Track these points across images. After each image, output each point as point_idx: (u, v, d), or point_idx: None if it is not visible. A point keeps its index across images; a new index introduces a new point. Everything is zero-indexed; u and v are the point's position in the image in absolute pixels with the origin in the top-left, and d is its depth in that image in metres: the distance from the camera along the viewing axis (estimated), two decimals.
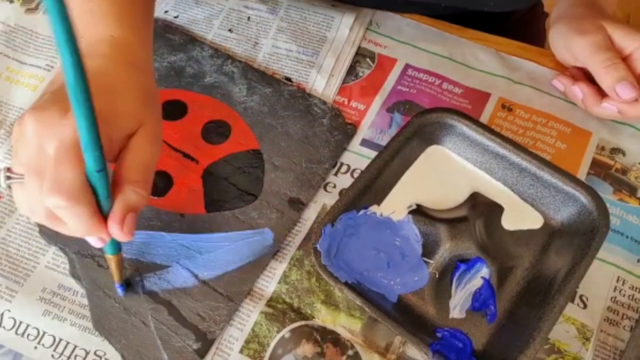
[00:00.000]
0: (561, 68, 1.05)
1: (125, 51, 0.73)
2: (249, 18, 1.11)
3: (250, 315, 0.82)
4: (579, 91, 0.97)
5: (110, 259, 0.76)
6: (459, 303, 0.82)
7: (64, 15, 0.46)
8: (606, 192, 0.93)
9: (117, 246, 0.74)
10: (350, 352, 0.80)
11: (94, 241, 0.69)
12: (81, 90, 0.52)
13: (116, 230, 0.65)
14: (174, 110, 0.99)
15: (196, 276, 0.84)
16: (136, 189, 0.65)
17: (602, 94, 0.95)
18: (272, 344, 0.80)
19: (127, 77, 0.70)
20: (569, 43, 0.98)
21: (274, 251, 0.87)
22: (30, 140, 0.63)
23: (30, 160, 0.63)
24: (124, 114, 0.66)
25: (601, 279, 0.86)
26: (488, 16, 1.15)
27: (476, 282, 0.83)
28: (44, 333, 0.81)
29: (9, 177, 0.67)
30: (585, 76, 0.99)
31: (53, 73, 1.03)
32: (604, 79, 0.91)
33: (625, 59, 0.93)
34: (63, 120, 0.61)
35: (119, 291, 0.83)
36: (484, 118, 0.99)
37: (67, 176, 0.60)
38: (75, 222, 0.64)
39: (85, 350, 0.80)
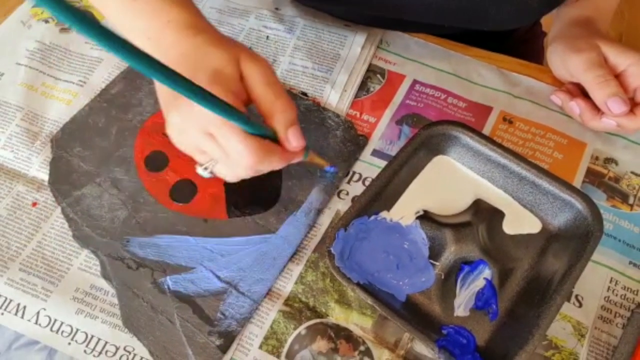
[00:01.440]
0: (558, 84, 1.05)
1: (188, 26, 0.76)
2: (267, 37, 1.12)
3: (269, 313, 0.83)
4: (576, 107, 0.97)
5: (309, 158, 0.84)
6: (463, 302, 0.83)
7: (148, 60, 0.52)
8: (600, 199, 0.93)
9: (306, 151, 0.81)
10: (362, 348, 0.80)
11: (296, 159, 0.79)
12: (193, 90, 0.58)
13: (288, 144, 0.74)
14: None
15: (218, 277, 0.84)
16: (280, 108, 0.72)
17: (598, 109, 0.95)
18: (290, 340, 0.81)
19: (203, 41, 0.74)
20: (565, 60, 0.98)
21: (291, 254, 0.87)
22: (191, 132, 0.71)
23: (207, 148, 0.72)
24: (225, 66, 0.72)
25: (595, 279, 0.86)
26: (490, 35, 1.15)
27: (479, 283, 0.84)
28: (77, 330, 0.82)
29: (205, 168, 0.74)
30: (581, 92, 0.99)
31: (90, 89, 1.04)
32: (597, 94, 0.92)
33: (618, 76, 0.93)
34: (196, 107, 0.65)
35: (331, 170, 0.94)
36: (486, 130, 1.00)
37: (246, 145, 0.69)
38: (275, 164, 0.75)
39: (116, 346, 0.81)
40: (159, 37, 0.76)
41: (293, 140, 0.74)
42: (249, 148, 0.69)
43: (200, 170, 0.76)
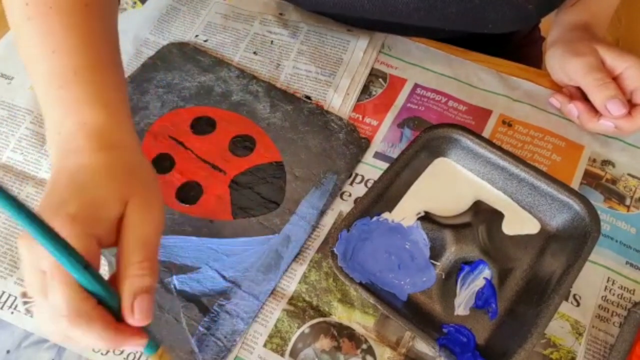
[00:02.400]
0: (556, 87, 1.05)
1: (100, 136, 0.66)
2: (272, 42, 1.12)
3: (273, 312, 0.83)
4: (574, 109, 0.97)
5: (154, 358, 0.64)
6: (463, 301, 0.83)
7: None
8: (597, 200, 0.93)
9: (154, 343, 0.62)
10: (364, 346, 0.81)
11: (130, 347, 0.63)
12: (38, 228, 0.51)
13: (129, 316, 0.57)
14: (204, 126, 1.00)
15: (224, 277, 0.85)
16: (138, 271, 0.58)
17: (595, 111, 0.95)
18: (293, 339, 0.81)
19: (104, 163, 0.64)
20: (564, 64, 0.98)
21: (295, 254, 0.88)
22: (26, 265, 0.58)
23: (31, 284, 0.58)
24: (104, 203, 0.60)
25: (593, 279, 0.86)
26: (490, 40, 1.15)
27: (479, 283, 0.84)
28: None
29: (25, 302, 0.65)
30: (579, 95, 0.99)
31: None
32: (596, 97, 0.92)
33: (616, 79, 0.94)
34: None
35: None
36: (486, 133, 1.00)
37: (63, 299, 0.55)
38: (91, 340, 0.57)
39: None
40: (68, 138, 0.66)
41: (137, 312, 0.58)
42: (65, 303, 0.55)
43: (20, 302, 0.66)
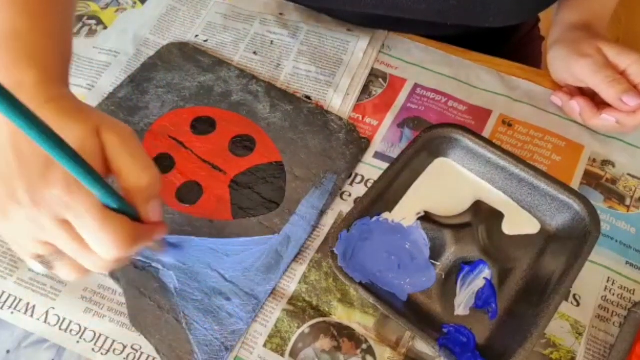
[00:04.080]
0: (557, 87, 1.05)
1: (42, 91, 0.64)
2: (272, 42, 1.12)
3: (273, 312, 0.83)
4: (576, 105, 0.97)
5: None
6: (463, 301, 0.83)
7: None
8: (597, 200, 0.93)
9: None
10: (364, 346, 0.81)
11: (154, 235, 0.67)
12: (59, 146, 0.50)
13: (148, 219, 0.64)
14: (204, 126, 1.00)
15: (224, 277, 0.84)
16: (143, 182, 0.61)
17: (597, 107, 0.96)
18: (293, 339, 0.81)
19: (55, 111, 0.62)
20: (570, 65, 0.98)
21: (295, 254, 0.88)
22: (39, 221, 0.58)
23: (55, 234, 0.59)
24: (81, 143, 0.59)
25: (593, 279, 0.86)
26: (490, 39, 1.16)
27: (479, 283, 0.84)
28: (85, 328, 0.82)
29: (43, 262, 0.63)
30: (580, 93, 0.99)
31: (98, 93, 1.04)
32: (610, 92, 0.92)
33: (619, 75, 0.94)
34: (52, 187, 0.57)
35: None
36: (486, 133, 1.00)
37: (112, 227, 0.57)
38: (136, 248, 0.61)
39: (123, 345, 0.81)
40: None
41: (154, 215, 0.64)
42: (115, 234, 0.58)
43: (34, 265, 0.63)
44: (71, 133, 0.59)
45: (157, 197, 0.64)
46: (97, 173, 0.55)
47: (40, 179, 0.57)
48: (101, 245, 0.58)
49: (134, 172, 0.61)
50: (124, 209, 0.60)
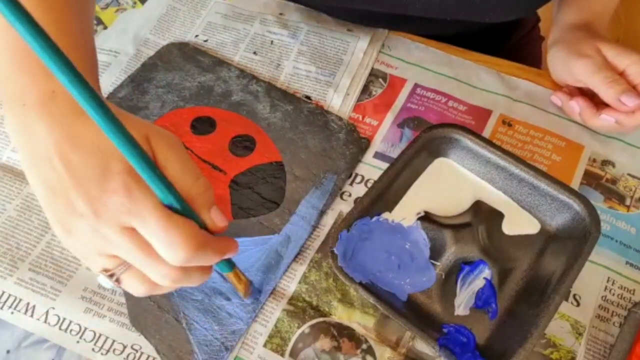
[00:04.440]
0: (557, 87, 1.05)
1: (75, 103, 0.57)
2: (272, 42, 1.12)
3: (273, 312, 0.83)
4: (576, 105, 0.98)
5: (229, 276, 0.75)
6: (463, 301, 0.83)
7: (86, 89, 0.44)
8: (597, 200, 0.93)
9: (229, 263, 0.72)
10: (364, 346, 0.81)
11: (229, 252, 0.66)
12: (128, 141, 0.50)
13: (214, 226, 0.62)
14: (203, 126, 1.00)
15: (224, 277, 0.84)
16: (200, 189, 0.60)
17: (596, 107, 0.96)
18: (293, 339, 0.81)
19: (89, 125, 0.59)
20: (569, 66, 0.98)
21: (295, 254, 0.88)
22: (103, 232, 0.57)
23: (120, 244, 0.57)
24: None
25: (593, 279, 0.86)
26: (490, 39, 1.16)
27: (479, 283, 0.84)
28: (85, 329, 0.82)
29: (112, 275, 0.60)
30: (579, 93, 0.99)
31: None
32: (609, 93, 0.92)
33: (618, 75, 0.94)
34: (112, 196, 0.55)
35: (247, 302, 0.84)
36: (486, 133, 1.00)
37: (173, 231, 0.56)
38: (204, 254, 0.59)
39: (123, 345, 0.81)
40: (42, 107, 0.61)
41: (219, 219, 0.63)
42: (183, 235, 0.56)
43: (103, 280, 0.61)
44: None
45: (214, 202, 0.63)
46: (160, 171, 0.55)
47: (98, 188, 0.56)
48: (167, 247, 0.56)
49: (188, 179, 0.60)
50: (187, 212, 0.59)
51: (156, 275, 0.59)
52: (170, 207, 0.57)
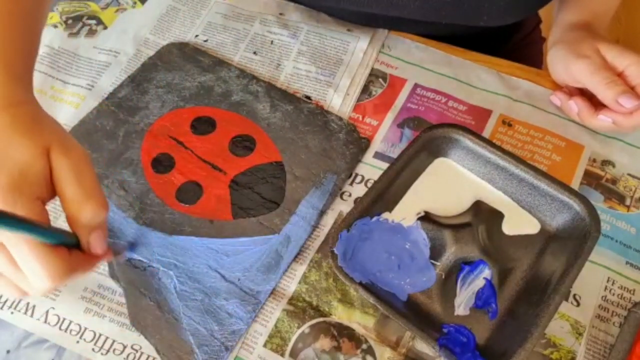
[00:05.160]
0: (557, 87, 1.05)
1: None
2: (272, 42, 1.12)
3: (273, 312, 0.83)
4: (574, 105, 0.98)
5: None
6: (463, 301, 0.83)
7: None
8: (597, 200, 0.93)
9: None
10: (364, 346, 0.81)
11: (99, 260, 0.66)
12: None
13: (91, 251, 0.63)
14: (203, 126, 1.00)
15: (224, 277, 0.85)
16: (83, 212, 0.60)
17: (595, 107, 0.96)
18: (293, 339, 0.81)
19: (9, 121, 0.62)
20: (569, 66, 0.98)
21: (295, 254, 0.87)
22: None
23: None
24: (26, 162, 0.59)
25: (593, 279, 0.86)
26: (490, 39, 1.16)
27: (479, 282, 0.84)
28: (85, 329, 0.82)
29: None
30: (579, 93, 0.99)
31: (97, 92, 1.04)
32: (607, 94, 0.91)
33: (618, 76, 0.94)
34: None
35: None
36: (486, 133, 1.00)
37: (38, 261, 0.56)
38: (71, 277, 0.60)
39: (123, 345, 0.81)
40: None
41: (95, 247, 0.63)
42: (48, 269, 0.57)
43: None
44: (18, 150, 0.59)
45: (100, 227, 0.63)
46: (27, 220, 0.54)
47: None
48: (34, 276, 0.57)
49: (76, 200, 0.60)
50: (62, 241, 0.59)
51: (27, 288, 0.60)
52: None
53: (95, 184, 0.62)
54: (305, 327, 0.82)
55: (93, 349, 0.81)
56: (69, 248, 0.61)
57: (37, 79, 1.04)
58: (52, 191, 0.61)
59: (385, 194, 0.89)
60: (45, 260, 0.56)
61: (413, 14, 1.01)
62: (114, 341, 0.81)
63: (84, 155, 0.63)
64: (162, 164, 0.95)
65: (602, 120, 0.94)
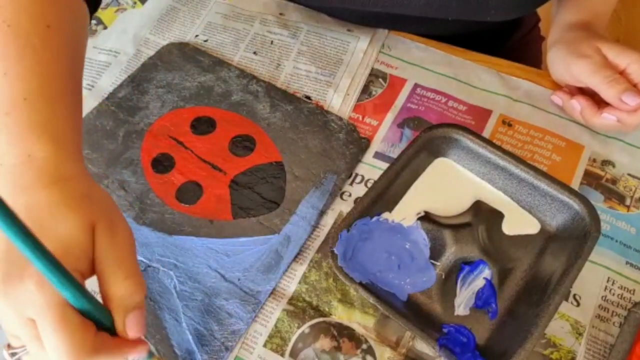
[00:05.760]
0: (557, 87, 1.05)
1: (47, 170, 0.63)
2: (272, 42, 1.12)
3: (273, 312, 0.83)
4: (577, 104, 0.97)
5: None
6: (463, 301, 0.83)
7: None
8: (597, 200, 0.93)
9: (150, 352, 0.64)
10: (364, 346, 0.81)
11: (134, 356, 0.61)
12: (31, 244, 0.47)
13: (125, 333, 0.59)
14: (203, 126, 1.00)
15: (224, 277, 0.85)
16: (124, 290, 0.58)
17: (597, 106, 0.96)
18: (293, 339, 0.81)
19: (57, 196, 0.61)
20: (569, 65, 0.98)
21: (295, 254, 0.88)
22: (8, 315, 0.57)
23: (22, 334, 0.57)
24: (70, 237, 0.58)
25: (593, 279, 0.86)
26: (490, 39, 1.16)
27: (479, 282, 0.84)
28: None
29: (13, 354, 0.60)
30: (580, 93, 0.99)
31: (97, 93, 1.04)
32: (609, 92, 0.91)
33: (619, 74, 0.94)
34: (26, 282, 0.55)
35: None
36: (486, 133, 1.00)
37: (65, 339, 0.54)
38: None
39: None
40: (13, 171, 0.62)
41: (131, 328, 0.59)
42: (70, 344, 0.54)
43: (7, 355, 0.61)
44: (64, 224, 0.58)
45: (139, 309, 0.60)
46: (68, 273, 0.52)
47: (17, 270, 0.55)
48: (53, 349, 0.55)
49: (114, 278, 0.58)
50: (96, 316, 0.57)
51: None
52: (80, 309, 0.56)
53: (136, 266, 0.61)
54: (305, 327, 0.82)
55: None
56: (98, 328, 0.58)
57: None
58: (92, 268, 0.60)
59: (385, 194, 0.89)
60: (67, 331, 0.54)
61: (418, 12, 1.01)
62: None
63: (129, 235, 0.62)
64: (162, 164, 0.95)
65: (606, 118, 0.94)
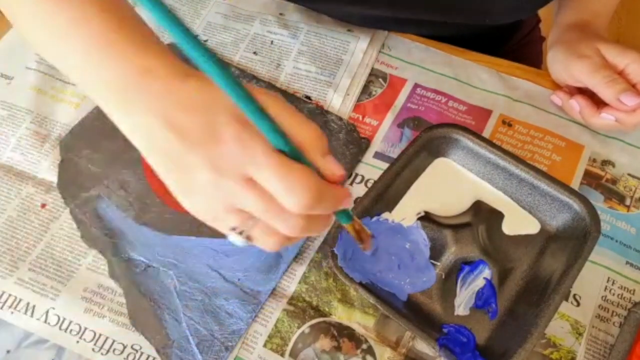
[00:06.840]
0: (557, 87, 1.05)
1: (172, 70, 0.61)
2: (272, 42, 1.12)
3: (273, 312, 0.83)
4: (576, 104, 0.97)
5: (349, 227, 0.70)
6: (463, 301, 0.83)
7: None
8: (597, 200, 0.93)
9: (347, 214, 0.66)
10: (364, 346, 0.81)
11: (343, 199, 0.61)
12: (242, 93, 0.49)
13: (331, 175, 0.58)
14: None
15: (224, 277, 0.85)
16: (308, 136, 0.57)
17: (596, 106, 0.96)
18: (293, 339, 0.81)
19: (198, 83, 0.59)
20: (569, 66, 0.98)
21: (295, 254, 0.88)
22: (226, 182, 0.56)
23: (244, 198, 0.57)
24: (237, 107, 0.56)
25: (593, 279, 0.86)
26: (490, 39, 1.15)
27: (479, 282, 0.84)
28: (85, 328, 0.82)
29: (241, 232, 0.60)
30: (580, 93, 0.99)
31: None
32: (608, 92, 0.92)
33: (618, 75, 0.94)
34: (223, 148, 0.55)
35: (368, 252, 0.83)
36: (486, 133, 1.00)
37: (291, 175, 0.54)
38: (325, 200, 0.57)
39: (123, 345, 0.81)
40: (141, 82, 0.61)
41: (334, 168, 0.59)
42: (301, 181, 0.54)
43: (234, 237, 0.61)
44: (228, 99, 0.55)
45: (329, 151, 0.59)
46: (268, 113, 0.52)
47: (211, 142, 0.55)
48: (286, 193, 0.55)
49: (299, 126, 0.57)
50: (299, 158, 0.56)
51: (282, 225, 0.58)
52: (283, 153, 0.55)
53: (304, 117, 0.59)
54: (305, 327, 0.82)
55: (93, 349, 0.81)
56: None
57: (38, 78, 1.04)
58: None
59: (386, 194, 0.89)
60: (294, 170, 0.54)
61: (418, 14, 1.01)
62: (114, 341, 0.81)
63: (281, 96, 0.59)
64: None
65: (605, 118, 0.94)
